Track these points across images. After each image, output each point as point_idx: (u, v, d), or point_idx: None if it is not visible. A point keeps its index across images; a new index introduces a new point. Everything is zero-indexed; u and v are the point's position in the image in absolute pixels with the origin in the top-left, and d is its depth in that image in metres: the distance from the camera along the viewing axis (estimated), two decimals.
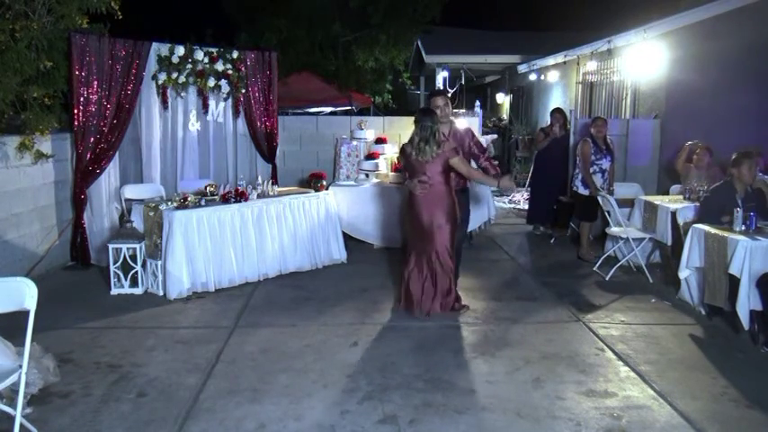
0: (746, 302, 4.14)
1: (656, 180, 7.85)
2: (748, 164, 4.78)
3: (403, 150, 4.76)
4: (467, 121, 8.24)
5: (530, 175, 8.85)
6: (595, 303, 5.14)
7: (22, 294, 2.65)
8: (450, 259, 4.68)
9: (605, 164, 6.60)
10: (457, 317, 4.74)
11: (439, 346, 4.17)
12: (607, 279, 5.83)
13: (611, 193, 6.38)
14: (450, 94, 14.37)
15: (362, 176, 7.58)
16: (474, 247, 7.27)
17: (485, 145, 8.12)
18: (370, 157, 7.75)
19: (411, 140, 4.66)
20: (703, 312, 4.79)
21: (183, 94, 6.76)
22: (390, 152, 7.90)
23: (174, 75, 6.56)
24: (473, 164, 5.12)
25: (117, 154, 6.27)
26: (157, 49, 6.46)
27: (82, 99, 5.87)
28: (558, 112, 7.83)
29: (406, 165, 4.76)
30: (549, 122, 8.08)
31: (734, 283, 4.27)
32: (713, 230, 4.58)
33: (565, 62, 11.42)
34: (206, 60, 6.73)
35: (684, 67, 7.74)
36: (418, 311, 4.70)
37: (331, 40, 12.80)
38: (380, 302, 5.07)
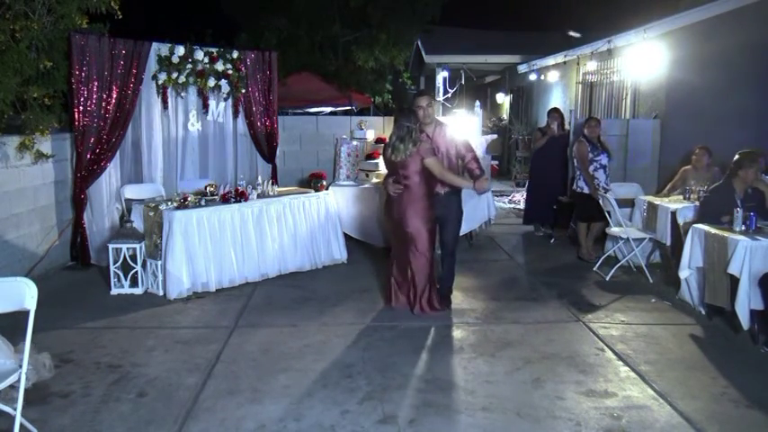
0: (746, 302, 4.14)
1: (656, 180, 7.85)
2: (756, 167, 4.77)
3: (384, 149, 4.78)
4: (467, 122, 8.24)
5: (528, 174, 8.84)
6: (595, 303, 5.14)
7: (22, 294, 2.65)
8: (425, 262, 4.66)
9: (604, 160, 6.61)
10: (456, 317, 4.75)
11: (439, 346, 4.17)
12: (607, 279, 5.83)
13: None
14: (450, 94, 14.39)
15: (362, 176, 7.58)
16: (474, 247, 7.27)
17: (484, 146, 8.16)
18: (370, 156, 7.75)
19: (390, 139, 4.68)
20: (703, 312, 4.80)
21: (183, 94, 6.76)
22: None
23: (174, 75, 6.56)
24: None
25: (117, 154, 6.28)
26: (157, 49, 6.46)
27: (82, 99, 5.87)
28: (555, 111, 7.83)
29: (385, 164, 4.78)
30: (546, 122, 8.07)
31: (735, 282, 4.27)
32: (713, 230, 4.58)
33: (565, 62, 11.42)
34: (206, 60, 6.74)
35: (684, 67, 7.74)
36: (400, 306, 4.85)
37: (331, 40, 12.78)
38: (380, 302, 5.07)
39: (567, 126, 8.02)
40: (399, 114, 4.69)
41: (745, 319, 4.16)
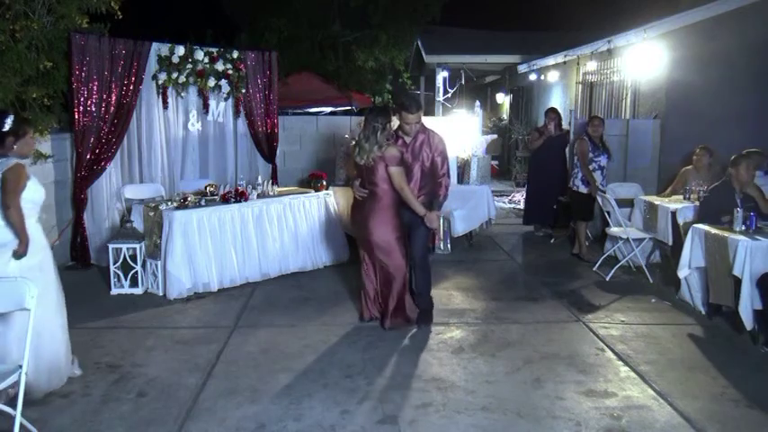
0: (749, 303, 4.14)
1: (656, 180, 7.85)
2: (746, 164, 4.77)
3: (352, 149, 4.42)
4: (468, 122, 8.24)
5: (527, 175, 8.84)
6: (595, 303, 5.14)
7: (22, 294, 2.66)
8: (395, 271, 4.31)
9: (603, 161, 6.62)
10: (456, 317, 4.75)
11: (439, 345, 4.17)
12: (607, 279, 5.82)
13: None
14: (449, 94, 14.37)
15: None
16: (474, 247, 7.27)
17: (483, 146, 8.15)
18: None
19: (357, 138, 4.34)
20: (703, 312, 4.80)
21: (183, 94, 6.75)
22: None
23: (175, 75, 6.56)
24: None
25: (117, 154, 6.28)
26: (157, 49, 6.46)
27: (82, 99, 5.87)
28: (552, 111, 7.82)
29: (354, 165, 4.40)
30: (543, 122, 8.05)
31: (738, 282, 4.26)
32: (713, 231, 4.58)
33: (565, 62, 11.42)
34: (206, 60, 6.73)
35: (684, 67, 7.74)
36: (372, 318, 4.55)
37: (331, 40, 12.81)
38: None
39: (565, 126, 8.00)
40: (369, 112, 4.31)
41: (748, 320, 4.15)
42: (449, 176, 4.48)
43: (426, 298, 4.59)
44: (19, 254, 3.22)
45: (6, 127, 3.36)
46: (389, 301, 4.39)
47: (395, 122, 4.45)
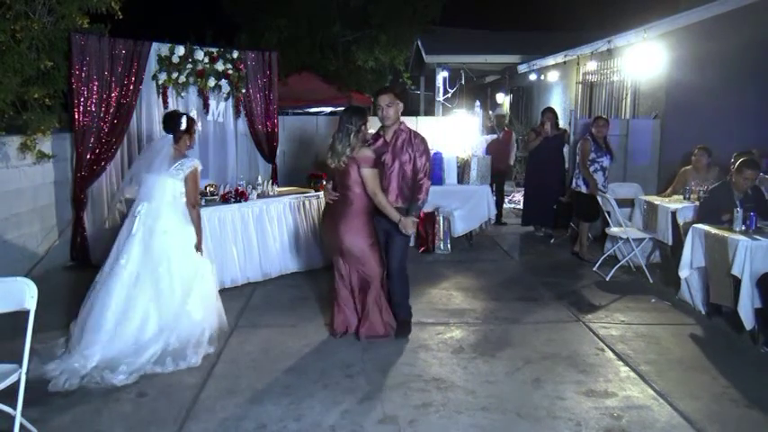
0: (748, 303, 4.14)
1: (656, 180, 7.86)
2: (745, 174, 4.75)
3: (327, 151, 4.15)
4: (467, 122, 8.23)
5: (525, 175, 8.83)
6: (595, 303, 5.14)
7: (22, 294, 2.66)
8: (372, 280, 4.09)
9: (606, 162, 6.61)
10: (456, 317, 4.75)
11: (439, 345, 4.17)
12: (607, 279, 5.83)
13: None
14: (449, 94, 14.37)
15: None
16: (474, 247, 7.27)
17: (483, 147, 8.15)
18: None
19: (331, 140, 4.08)
20: (703, 312, 4.80)
21: (183, 94, 6.75)
22: None
23: (175, 75, 6.56)
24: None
25: (117, 154, 6.28)
26: (158, 49, 6.46)
27: (82, 99, 5.87)
28: (549, 111, 7.81)
29: (328, 168, 4.15)
30: (540, 122, 8.05)
31: (738, 282, 4.27)
32: (713, 231, 4.58)
33: (565, 62, 11.42)
34: (206, 60, 6.73)
35: (684, 67, 7.75)
36: (344, 332, 4.28)
37: (331, 40, 12.82)
38: None
39: (565, 126, 8.00)
40: (344, 113, 4.03)
41: (748, 320, 4.15)
42: (429, 178, 4.23)
43: (405, 307, 4.39)
44: (198, 244, 4.09)
45: (184, 126, 3.96)
46: (364, 307, 4.17)
47: (374, 123, 4.31)
